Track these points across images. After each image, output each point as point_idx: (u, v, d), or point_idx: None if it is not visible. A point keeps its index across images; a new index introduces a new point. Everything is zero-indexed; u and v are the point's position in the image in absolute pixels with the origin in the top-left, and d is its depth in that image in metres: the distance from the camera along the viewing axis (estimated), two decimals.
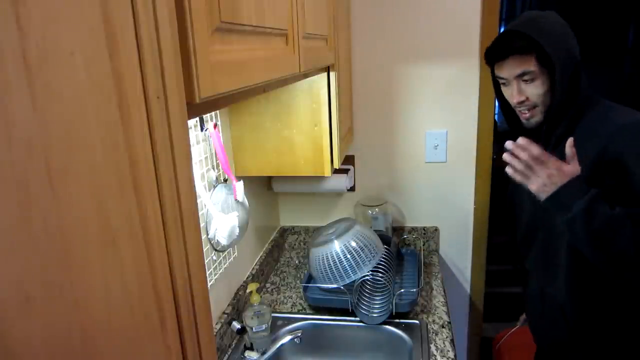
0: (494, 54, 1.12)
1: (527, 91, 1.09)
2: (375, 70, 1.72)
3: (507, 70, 1.10)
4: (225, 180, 1.22)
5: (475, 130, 1.74)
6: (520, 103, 1.10)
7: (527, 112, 1.12)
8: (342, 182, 1.73)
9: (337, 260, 1.39)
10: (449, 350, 1.26)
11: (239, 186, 1.19)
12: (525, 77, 1.08)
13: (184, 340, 0.42)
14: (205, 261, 0.63)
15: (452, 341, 1.31)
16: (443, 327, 1.36)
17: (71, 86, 0.28)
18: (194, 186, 0.44)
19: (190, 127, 1.08)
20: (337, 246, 1.40)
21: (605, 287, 1.09)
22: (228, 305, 1.34)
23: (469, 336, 2.00)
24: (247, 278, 1.50)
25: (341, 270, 1.38)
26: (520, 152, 1.01)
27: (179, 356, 0.42)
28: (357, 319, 1.39)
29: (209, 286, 1.09)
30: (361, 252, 1.39)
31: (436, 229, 1.87)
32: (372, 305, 1.38)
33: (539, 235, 1.21)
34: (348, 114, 1.63)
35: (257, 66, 0.62)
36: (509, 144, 1.05)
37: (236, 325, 1.27)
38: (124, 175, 0.33)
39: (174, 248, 0.40)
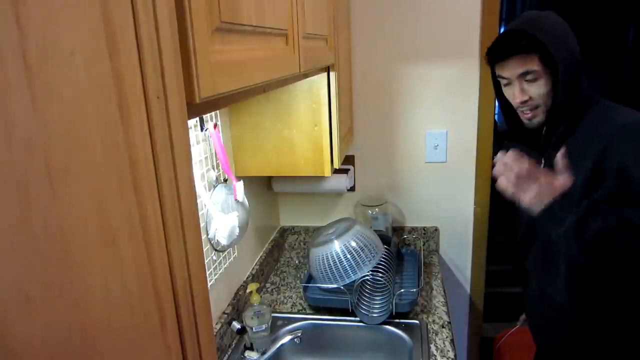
0: (495, 54, 1.11)
1: (530, 91, 1.08)
2: (375, 70, 1.72)
3: (510, 70, 1.09)
4: (225, 180, 1.22)
5: (475, 130, 1.74)
6: (523, 103, 1.09)
7: (529, 112, 1.11)
8: (342, 182, 1.73)
9: (337, 260, 1.39)
10: (449, 350, 1.26)
11: (239, 186, 1.19)
12: (528, 77, 1.07)
13: (184, 340, 0.42)
14: (205, 261, 0.63)
15: (452, 341, 1.31)
16: (443, 327, 1.36)
17: (71, 86, 0.28)
18: (194, 186, 0.44)
19: (190, 127, 1.08)
20: (337, 246, 1.40)
21: (605, 287, 1.09)
22: (228, 305, 1.34)
23: (469, 336, 2.00)
24: (247, 278, 1.50)
25: (341, 270, 1.38)
26: (511, 166, 1.00)
27: (179, 356, 0.42)
28: (357, 319, 1.39)
29: (209, 286, 1.09)
30: (361, 252, 1.39)
31: (436, 229, 1.87)
32: (372, 305, 1.38)
33: (539, 235, 1.21)
34: (348, 114, 1.63)
35: (257, 66, 0.62)
36: (499, 156, 1.04)
37: (236, 325, 1.27)
38: (124, 175, 0.33)
39: (174, 248, 0.40)
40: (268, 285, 1.66)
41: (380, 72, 1.72)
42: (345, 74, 1.54)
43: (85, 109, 0.29)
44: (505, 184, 1.02)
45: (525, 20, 1.07)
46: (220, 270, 1.27)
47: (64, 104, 0.28)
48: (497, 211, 1.82)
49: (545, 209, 0.99)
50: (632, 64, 4.25)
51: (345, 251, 1.39)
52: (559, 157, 1.00)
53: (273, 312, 1.44)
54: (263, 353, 1.21)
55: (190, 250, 0.43)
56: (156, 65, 0.37)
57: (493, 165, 1.08)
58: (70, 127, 0.28)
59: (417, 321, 1.38)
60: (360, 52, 1.71)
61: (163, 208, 0.38)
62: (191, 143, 0.81)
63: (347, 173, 1.77)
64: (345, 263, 1.38)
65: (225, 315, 1.29)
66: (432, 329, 1.35)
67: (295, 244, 1.96)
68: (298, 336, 1.22)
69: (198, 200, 1.05)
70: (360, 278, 1.37)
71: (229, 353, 1.29)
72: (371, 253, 1.40)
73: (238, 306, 1.38)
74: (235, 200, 1.19)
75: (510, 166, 1.01)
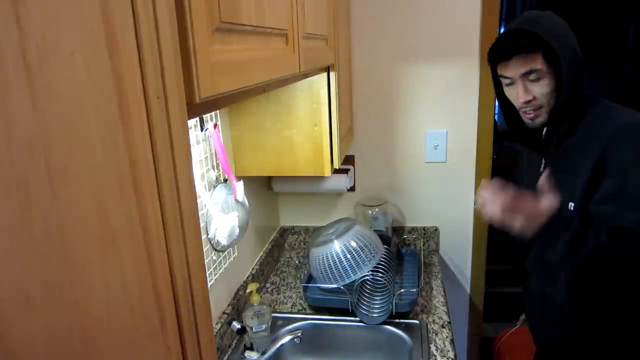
0: (497, 54, 1.10)
1: (533, 90, 1.07)
2: (375, 70, 1.72)
3: (513, 69, 1.07)
4: (225, 180, 1.22)
5: (475, 130, 1.74)
6: (527, 103, 1.08)
7: (532, 112, 1.10)
8: (342, 182, 1.73)
9: (337, 260, 1.38)
10: (449, 350, 1.26)
11: (239, 186, 1.19)
12: (532, 76, 1.06)
13: (184, 340, 0.42)
14: (205, 261, 0.63)
15: (452, 341, 1.31)
16: (443, 327, 1.36)
17: (71, 86, 0.28)
18: (194, 186, 0.44)
19: (190, 127, 1.08)
20: (337, 246, 1.40)
21: (605, 288, 1.09)
22: (228, 305, 1.34)
23: (469, 336, 2.00)
24: (247, 278, 1.50)
25: (341, 270, 1.38)
26: (493, 199, 1.02)
27: (179, 356, 0.42)
28: (357, 319, 1.39)
29: (209, 286, 1.09)
30: (361, 252, 1.39)
31: (436, 229, 1.87)
32: (372, 305, 1.38)
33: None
34: (348, 114, 1.63)
35: (257, 66, 0.62)
36: (483, 185, 1.05)
37: (236, 325, 1.27)
38: (124, 175, 0.33)
39: (174, 248, 0.40)
40: (268, 285, 1.66)
41: (380, 72, 1.72)
42: (345, 74, 1.54)
43: (85, 109, 0.29)
44: (490, 214, 1.03)
45: (526, 20, 1.07)
46: (220, 270, 1.27)
47: (64, 104, 0.28)
48: None
49: (537, 234, 1.01)
50: (632, 64, 4.26)
51: (345, 251, 1.39)
52: (543, 180, 1.01)
53: (273, 312, 1.44)
54: (263, 353, 1.21)
55: (190, 250, 0.43)
56: (156, 65, 0.37)
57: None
58: (70, 127, 0.28)
59: (417, 321, 1.38)
60: (360, 52, 1.71)
61: (163, 208, 0.38)
62: (191, 143, 0.81)
63: (347, 173, 1.77)
64: (345, 263, 1.38)
65: (225, 315, 1.29)
66: (432, 329, 1.35)
67: (295, 244, 1.96)
68: (298, 336, 1.22)
69: (198, 200, 1.05)
70: (360, 278, 1.37)
71: (229, 353, 1.29)
72: (371, 253, 1.40)
73: (238, 306, 1.38)
74: (235, 200, 1.19)
75: (493, 199, 1.02)
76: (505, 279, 2.79)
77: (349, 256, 1.38)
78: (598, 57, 3.81)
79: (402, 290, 1.46)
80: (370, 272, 1.37)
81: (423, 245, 1.86)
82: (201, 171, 1.14)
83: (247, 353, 1.21)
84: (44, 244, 0.26)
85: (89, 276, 0.30)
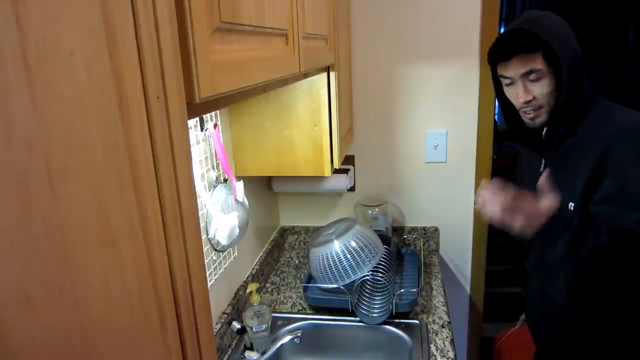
0: (497, 53, 1.10)
1: (533, 90, 1.07)
2: (375, 70, 1.72)
3: (513, 69, 1.07)
4: (225, 180, 1.22)
5: (475, 130, 1.74)
6: (527, 103, 1.08)
7: (532, 112, 1.10)
8: (342, 182, 1.73)
9: (337, 260, 1.38)
10: (449, 350, 1.26)
11: (239, 186, 1.19)
12: (532, 76, 1.06)
13: (184, 340, 0.42)
14: (205, 261, 0.63)
15: (452, 341, 1.31)
16: (443, 327, 1.36)
17: (71, 86, 0.28)
18: (194, 186, 0.44)
19: (190, 127, 1.08)
20: (337, 246, 1.40)
21: (605, 288, 1.09)
22: (228, 305, 1.34)
23: (469, 336, 2.00)
24: (247, 278, 1.50)
25: (341, 270, 1.38)
26: (494, 199, 1.02)
27: (179, 356, 0.42)
28: (357, 319, 1.39)
29: (209, 286, 1.09)
30: (361, 252, 1.39)
31: (436, 229, 1.87)
32: (372, 305, 1.38)
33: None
34: (348, 114, 1.63)
35: (257, 66, 0.62)
36: (483, 185, 1.06)
37: (236, 325, 1.27)
38: (124, 175, 0.33)
39: (174, 248, 0.40)
40: (268, 285, 1.66)
41: (380, 72, 1.72)
42: (345, 74, 1.54)
43: (85, 109, 0.29)
44: (490, 214, 1.04)
45: (526, 20, 1.07)
46: (220, 270, 1.27)
47: (64, 104, 0.28)
48: None
49: (537, 234, 1.01)
50: (632, 64, 4.26)
51: (345, 251, 1.39)
52: (543, 180, 1.01)
53: (273, 312, 1.44)
54: (263, 353, 1.21)
55: (190, 250, 0.43)
56: (156, 65, 0.37)
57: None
58: (70, 127, 0.28)
59: (417, 321, 1.38)
60: (360, 52, 1.71)
61: (163, 208, 0.38)
62: (191, 143, 0.81)
63: (347, 173, 1.77)
64: (345, 263, 1.38)
65: (225, 315, 1.29)
66: (432, 329, 1.35)
67: (295, 244, 1.96)
68: (298, 336, 1.22)
69: (198, 200, 1.05)
70: (360, 278, 1.37)
71: (229, 353, 1.29)
72: (371, 253, 1.40)
73: (238, 306, 1.38)
74: (235, 200, 1.19)
75: (493, 199, 1.02)
76: (505, 279, 2.79)
77: (349, 256, 1.38)
78: (598, 57, 3.81)
79: (402, 290, 1.46)
80: (370, 272, 1.37)
81: (423, 245, 1.86)
82: (201, 171, 1.14)
83: (247, 353, 1.21)
84: (44, 244, 0.26)
85: (89, 276, 0.30)
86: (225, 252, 1.30)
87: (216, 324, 1.26)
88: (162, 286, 0.39)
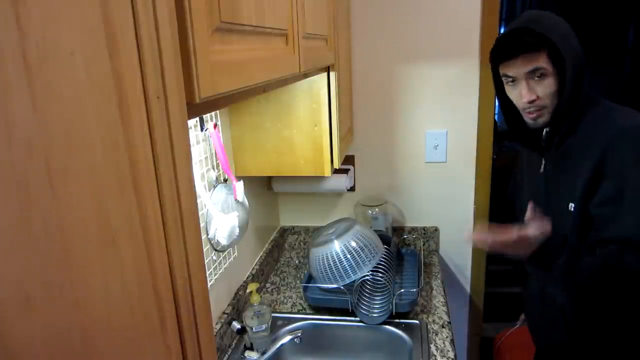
0: (501, 53, 1.09)
1: (537, 90, 1.06)
2: (375, 70, 1.72)
3: (517, 68, 1.06)
4: (225, 180, 1.22)
5: (475, 130, 1.74)
6: (531, 102, 1.07)
7: (535, 112, 1.08)
8: (342, 182, 1.73)
9: (337, 260, 1.38)
10: (449, 350, 1.26)
11: (239, 186, 1.19)
12: (537, 75, 1.05)
13: (184, 340, 0.42)
14: (205, 261, 0.63)
15: (452, 341, 1.31)
16: (443, 327, 1.36)
17: (71, 86, 0.28)
18: (194, 186, 0.44)
19: (190, 127, 1.08)
20: (337, 246, 1.40)
21: (605, 299, 1.10)
22: (228, 305, 1.34)
23: (469, 336, 2.00)
24: (247, 278, 1.50)
25: (341, 270, 1.38)
26: (481, 244, 1.08)
27: (179, 356, 0.42)
28: (357, 319, 1.39)
29: (209, 286, 1.09)
30: (361, 252, 1.39)
31: (436, 229, 1.87)
32: (372, 305, 1.38)
33: None
34: (348, 114, 1.63)
35: (257, 66, 0.62)
36: (478, 229, 1.11)
37: (236, 325, 1.27)
38: (124, 175, 0.33)
39: (174, 248, 0.40)
40: (268, 285, 1.66)
41: (380, 72, 1.72)
42: (345, 74, 1.54)
43: (85, 109, 0.29)
44: (480, 247, 1.11)
45: (530, 19, 1.05)
46: (220, 270, 1.27)
47: (64, 104, 0.28)
48: (497, 211, 1.82)
49: (529, 260, 1.06)
50: (632, 64, 4.25)
51: (345, 251, 1.39)
52: (529, 214, 1.05)
53: (273, 312, 1.44)
54: (263, 353, 1.21)
55: (190, 250, 0.43)
56: (156, 65, 0.37)
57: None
58: (70, 127, 0.28)
59: (417, 321, 1.38)
60: (360, 52, 1.71)
61: (163, 208, 0.38)
62: (191, 143, 0.81)
63: (347, 173, 1.77)
64: (345, 263, 1.38)
65: (225, 315, 1.29)
66: (432, 329, 1.35)
67: (295, 244, 1.96)
68: (298, 336, 1.22)
69: (198, 200, 1.05)
70: (360, 278, 1.37)
71: (229, 353, 1.29)
72: (371, 253, 1.40)
73: (238, 306, 1.38)
74: (235, 200, 1.19)
75: (484, 239, 1.07)
76: (505, 279, 2.78)
77: (349, 256, 1.38)
78: (598, 57, 3.80)
79: (402, 290, 1.46)
80: (370, 272, 1.37)
81: (423, 245, 1.86)
82: (201, 171, 1.14)
83: (247, 353, 1.21)
84: (44, 244, 0.26)
85: (89, 276, 0.30)
86: (225, 252, 1.30)
87: (216, 324, 1.26)
88: (162, 286, 0.39)
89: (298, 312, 1.48)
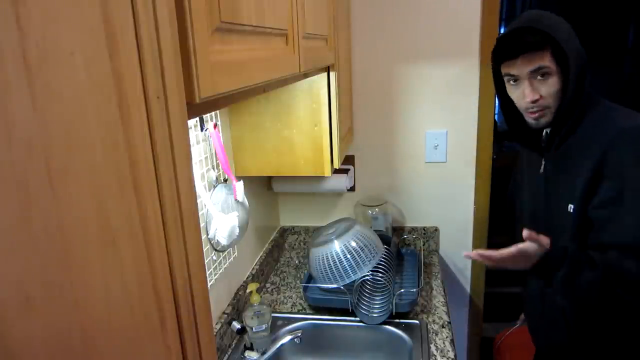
0: (503, 52, 1.08)
1: (540, 89, 1.05)
2: (375, 70, 1.72)
3: (520, 68, 1.05)
4: (225, 180, 1.22)
5: (475, 130, 1.74)
6: (534, 102, 1.06)
7: (537, 112, 1.07)
8: (342, 182, 1.73)
9: (337, 260, 1.38)
10: (449, 350, 1.26)
11: (239, 186, 1.19)
12: (540, 74, 1.04)
13: (184, 340, 0.42)
14: (205, 261, 0.63)
15: (452, 341, 1.31)
16: (443, 327, 1.36)
17: (71, 86, 0.28)
18: (194, 186, 0.44)
19: (190, 127, 1.08)
20: (337, 246, 1.40)
21: (606, 308, 1.10)
22: (228, 305, 1.34)
23: (469, 336, 2.00)
24: (247, 278, 1.50)
25: (341, 270, 1.38)
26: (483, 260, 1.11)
27: (179, 356, 0.42)
28: (357, 319, 1.39)
29: (209, 286, 1.09)
30: (361, 252, 1.39)
31: (436, 229, 1.87)
32: (372, 305, 1.38)
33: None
34: (348, 114, 1.63)
35: (257, 66, 0.62)
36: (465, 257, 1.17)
37: (236, 325, 1.27)
38: (124, 175, 0.33)
39: (174, 248, 0.40)
40: (268, 285, 1.66)
41: (380, 72, 1.72)
42: (345, 74, 1.54)
43: (85, 109, 0.29)
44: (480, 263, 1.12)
45: (531, 18, 1.05)
46: (220, 270, 1.27)
47: (64, 104, 0.28)
48: (497, 211, 1.82)
49: (530, 271, 1.08)
50: (632, 64, 4.25)
51: (345, 251, 1.39)
52: (526, 233, 1.06)
53: (273, 312, 1.44)
54: (263, 353, 1.21)
55: (190, 250, 0.43)
56: (156, 65, 0.37)
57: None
58: (70, 127, 0.28)
59: (417, 321, 1.38)
60: (360, 52, 1.71)
61: (163, 208, 0.38)
62: (191, 143, 0.81)
63: (347, 173, 1.77)
64: (345, 263, 1.38)
65: (225, 315, 1.29)
66: (432, 329, 1.35)
67: (295, 244, 1.96)
68: (298, 336, 1.22)
69: (198, 200, 1.05)
70: (360, 278, 1.37)
71: (229, 353, 1.29)
72: (371, 253, 1.40)
73: (238, 306, 1.38)
74: (235, 200, 1.19)
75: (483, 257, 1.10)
76: (505, 279, 2.78)
77: (349, 256, 1.38)
78: (598, 57, 3.80)
79: (402, 290, 1.46)
80: (370, 272, 1.37)
81: (423, 245, 1.86)
82: (201, 171, 1.14)
83: (247, 353, 1.21)
84: (44, 244, 0.26)
85: (89, 276, 0.30)
86: (225, 252, 1.30)
87: (216, 324, 1.26)
88: (162, 286, 0.39)
89: (298, 312, 1.48)
